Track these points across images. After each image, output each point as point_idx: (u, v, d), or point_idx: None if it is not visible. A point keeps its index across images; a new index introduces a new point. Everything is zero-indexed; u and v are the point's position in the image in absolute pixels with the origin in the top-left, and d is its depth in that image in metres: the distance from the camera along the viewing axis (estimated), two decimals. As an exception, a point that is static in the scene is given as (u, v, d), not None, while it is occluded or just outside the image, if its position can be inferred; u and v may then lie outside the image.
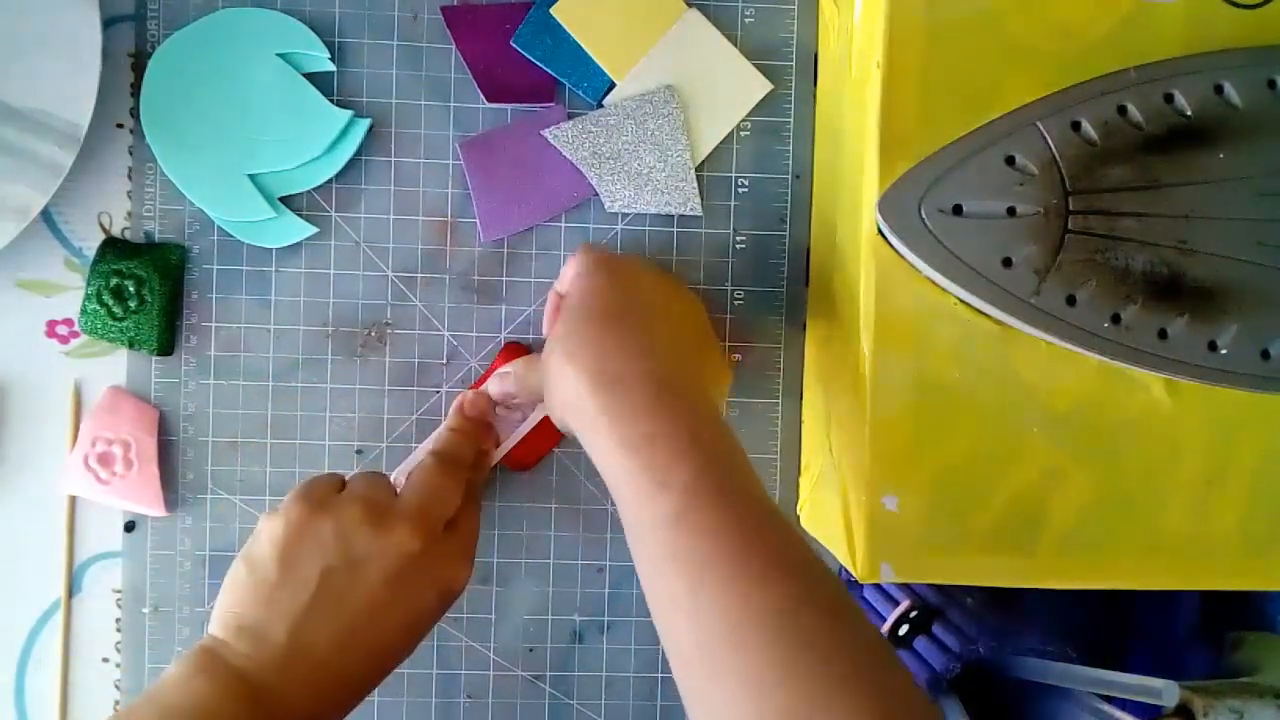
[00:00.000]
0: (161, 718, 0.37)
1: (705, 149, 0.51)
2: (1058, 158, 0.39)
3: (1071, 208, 0.39)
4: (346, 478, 0.44)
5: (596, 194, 0.51)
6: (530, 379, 0.45)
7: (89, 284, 0.49)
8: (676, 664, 0.35)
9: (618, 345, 0.39)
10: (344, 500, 0.41)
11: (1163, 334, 0.39)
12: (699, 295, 0.47)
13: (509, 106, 0.50)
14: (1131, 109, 0.39)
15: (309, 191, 0.50)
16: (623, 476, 0.37)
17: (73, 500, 0.50)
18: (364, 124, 0.49)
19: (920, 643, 0.47)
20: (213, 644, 0.39)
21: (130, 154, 0.50)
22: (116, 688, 0.50)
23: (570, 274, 0.44)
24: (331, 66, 0.49)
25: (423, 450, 0.49)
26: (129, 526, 0.50)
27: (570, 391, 0.39)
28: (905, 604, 0.48)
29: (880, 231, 0.40)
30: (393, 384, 0.51)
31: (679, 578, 0.34)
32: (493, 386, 0.47)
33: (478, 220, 0.50)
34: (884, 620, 0.49)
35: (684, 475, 0.36)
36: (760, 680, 0.32)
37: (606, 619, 0.52)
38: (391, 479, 0.45)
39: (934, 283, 0.40)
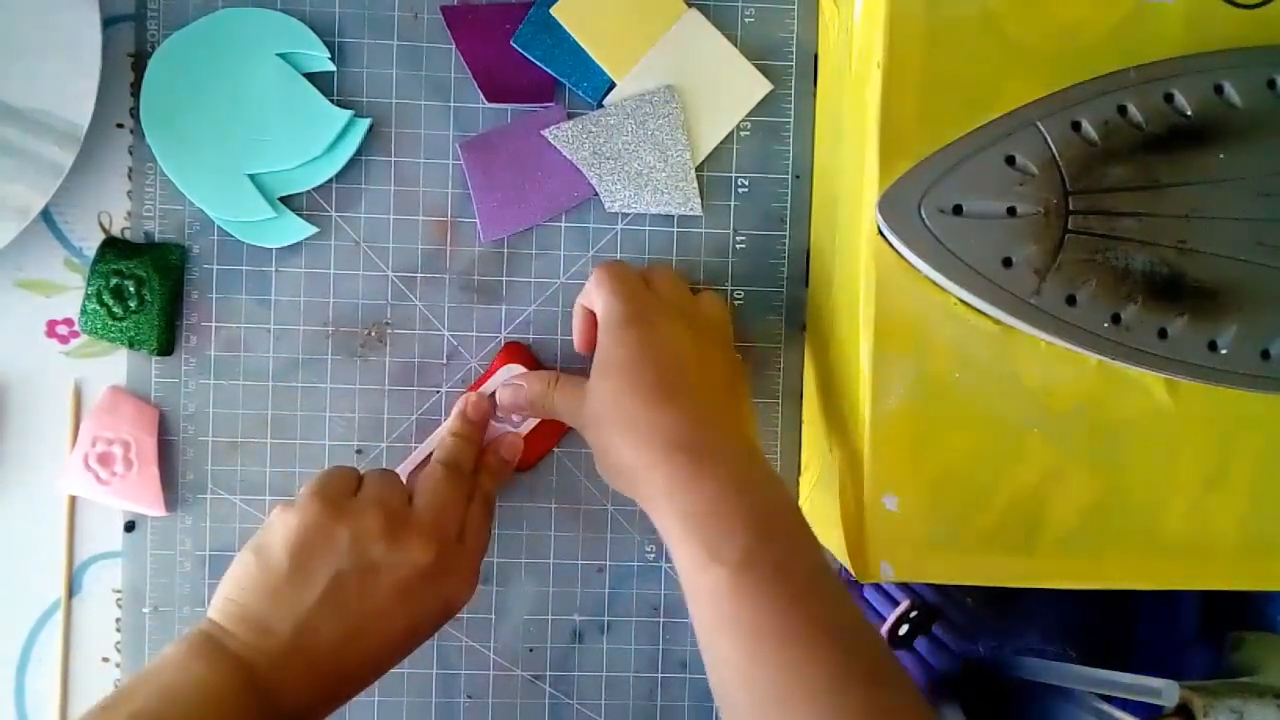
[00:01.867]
0: (159, 698, 0.37)
1: (705, 149, 0.51)
2: (1058, 158, 0.39)
3: (1071, 208, 0.39)
4: (361, 472, 0.44)
5: (596, 194, 0.51)
6: (550, 404, 0.46)
7: (89, 284, 0.49)
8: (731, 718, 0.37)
9: (673, 420, 0.40)
10: (362, 506, 0.42)
11: (1163, 334, 0.39)
12: (723, 318, 0.47)
13: (509, 106, 0.50)
14: (1131, 109, 0.39)
15: (309, 191, 0.50)
16: (681, 546, 0.38)
17: (73, 500, 0.50)
18: (364, 124, 0.49)
19: (920, 643, 0.47)
20: (212, 629, 0.40)
21: (130, 154, 0.50)
22: (116, 687, 0.50)
23: (599, 301, 0.44)
24: (331, 66, 0.49)
25: (424, 450, 0.49)
26: (129, 526, 0.50)
27: (625, 463, 0.41)
28: (905, 604, 0.48)
29: (880, 231, 0.40)
30: (393, 384, 0.51)
31: (733, 644, 0.37)
32: (504, 397, 0.47)
33: (478, 220, 0.50)
34: (884, 620, 0.49)
35: (738, 547, 0.37)
36: None
37: (606, 619, 0.52)
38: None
39: (934, 283, 0.40)
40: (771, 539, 0.38)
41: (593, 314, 0.46)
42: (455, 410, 0.48)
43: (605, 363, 0.42)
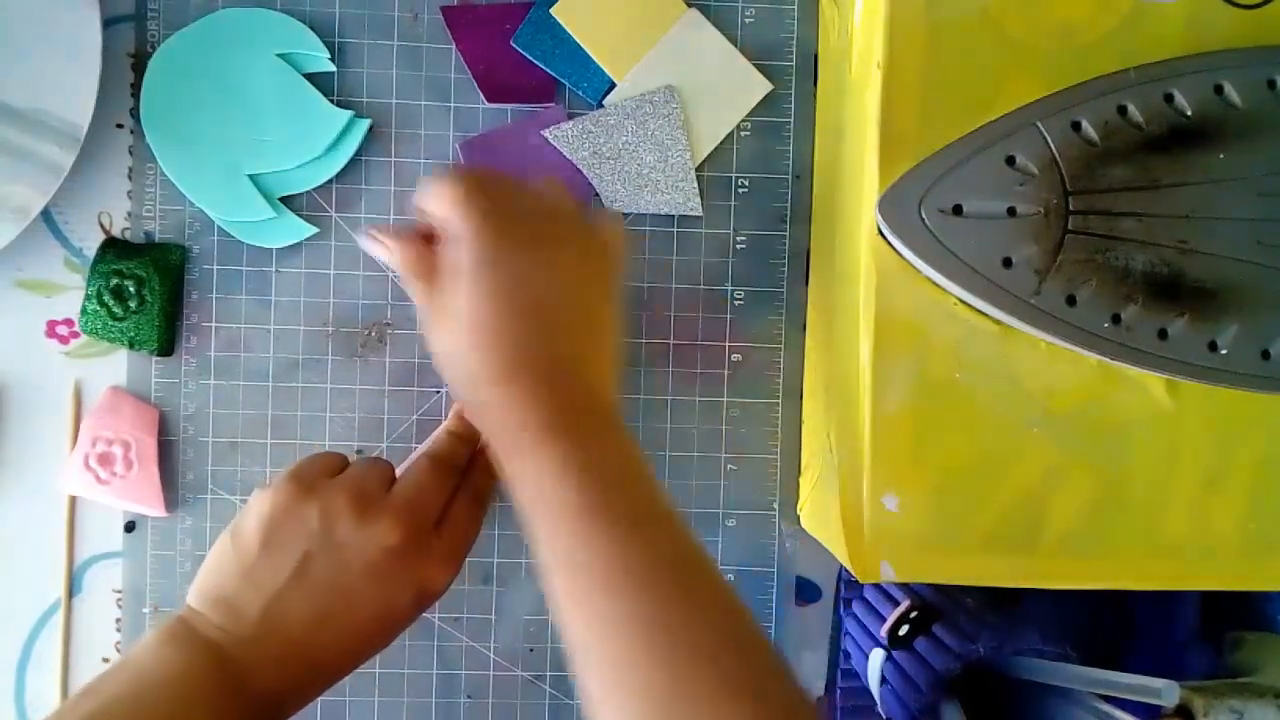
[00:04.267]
0: (131, 683, 0.37)
1: (705, 149, 0.51)
2: (1058, 158, 0.39)
3: (1071, 208, 0.39)
4: (351, 460, 0.44)
5: (596, 194, 0.51)
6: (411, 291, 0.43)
7: (89, 284, 0.49)
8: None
9: (523, 341, 0.38)
10: (334, 486, 0.41)
11: (1163, 334, 0.39)
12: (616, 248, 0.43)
13: (509, 107, 0.50)
14: (1131, 109, 0.39)
15: (309, 191, 0.50)
16: (541, 501, 0.37)
17: (73, 500, 0.50)
18: (364, 124, 0.49)
19: (920, 643, 0.47)
20: (188, 614, 0.40)
21: (130, 154, 0.50)
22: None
23: (448, 207, 0.40)
24: (331, 66, 0.49)
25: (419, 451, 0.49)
26: (129, 526, 0.50)
27: (486, 427, 0.40)
28: (905, 604, 0.48)
29: (880, 231, 0.40)
30: (393, 384, 0.51)
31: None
32: (373, 250, 0.44)
33: (478, 220, 0.50)
34: (884, 620, 0.49)
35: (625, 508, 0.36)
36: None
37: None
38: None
39: (934, 283, 0.40)
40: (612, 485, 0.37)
41: (428, 236, 0.42)
42: (454, 409, 0.48)
43: (451, 306, 0.39)
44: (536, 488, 0.37)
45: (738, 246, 0.51)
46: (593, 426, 0.38)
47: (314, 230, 0.50)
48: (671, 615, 0.34)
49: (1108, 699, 0.44)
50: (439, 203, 0.40)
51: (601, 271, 0.42)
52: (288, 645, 0.39)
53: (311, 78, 0.49)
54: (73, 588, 0.50)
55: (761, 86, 0.51)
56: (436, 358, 0.41)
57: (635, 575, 0.35)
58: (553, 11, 0.50)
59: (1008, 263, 0.39)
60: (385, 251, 0.43)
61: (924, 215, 0.39)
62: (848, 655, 0.53)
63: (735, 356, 0.52)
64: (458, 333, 0.39)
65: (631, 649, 0.33)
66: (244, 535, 0.40)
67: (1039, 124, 0.39)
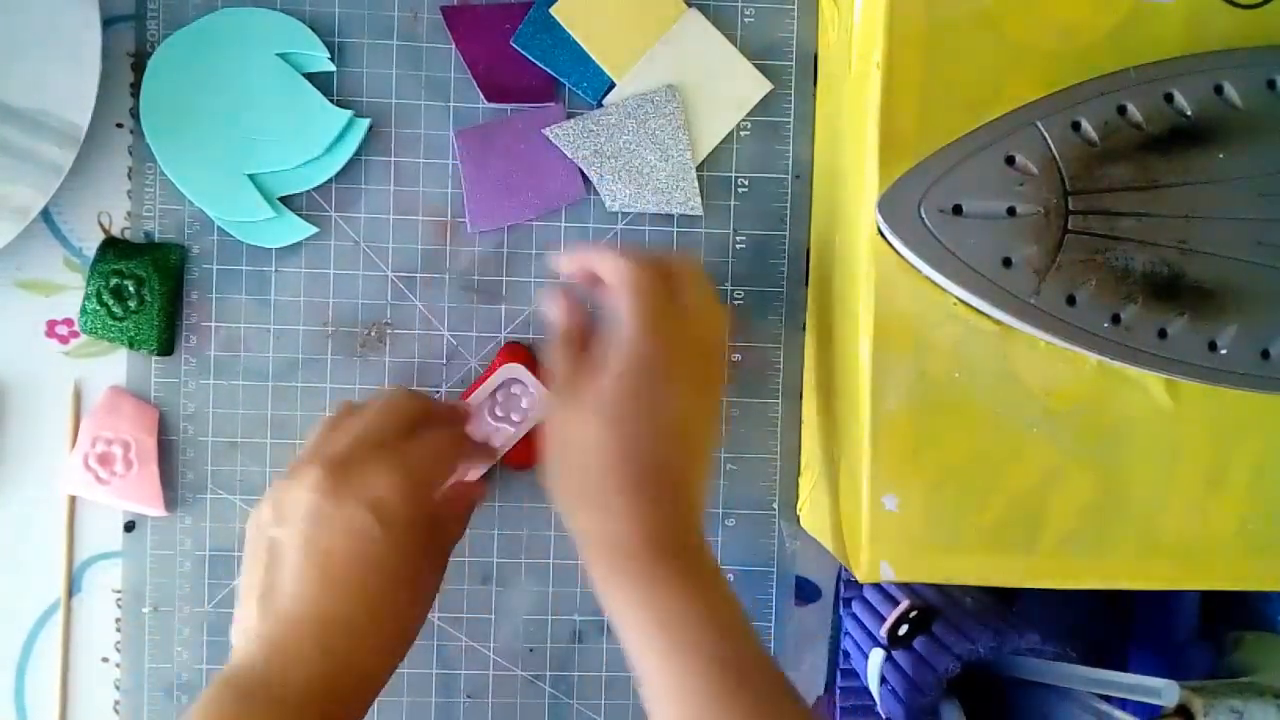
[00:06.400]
0: None
1: (705, 149, 0.51)
2: (1058, 158, 0.39)
3: (1071, 208, 0.39)
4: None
5: (588, 195, 0.51)
6: (552, 356, 0.45)
7: (89, 284, 0.49)
8: None
9: (652, 516, 0.40)
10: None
11: (1163, 334, 0.39)
12: (721, 336, 0.45)
13: (509, 106, 0.50)
14: (1131, 109, 0.39)
15: (309, 191, 0.50)
16: (644, 647, 0.38)
17: (73, 500, 0.50)
18: (364, 124, 0.49)
19: (920, 643, 0.47)
20: (230, 673, 0.39)
21: (130, 154, 0.50)
22: (116, 688, 0.50)
23: (624, 305, 0.42)
24: (331, 66, 0.49)
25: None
26: (129, 526, 0.50)
27: (582, 525, 0.41)
28: (905, 604, 0.48)
29: (880, 231, 0.40)
30: (392, 383, 0.51)
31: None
32: (546, 310, 0.46)
33: (467, 210, 0.50)
34: (884, 620, 0.49)
35: (705, 658, 0.37)
36: None
37: (606, 619, 0.52)
38: None
39: (934, 283, 0.40)
40: (737, 654, 0.38)
41: (578, 300, 0.45)
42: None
43: (607, 407, 0.40)
44: (645, 609, 0.38)
45: (738, 246, 0.51)
46: (703, 556, 0.40)
47: (314, 230, 0.50)
48: None
49: (1107, 699, 0.44)
50: (612, 280, 0.43)
51: (719, 402, 0.44)
52: (295, 625, 0.39)
53: (311, 77, 0.49)
54: (72, 587, 0.50)
55: (761, 86, 0.51)
56: (554, 439, 0.42)
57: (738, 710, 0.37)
58: (553, 11, 0.50)
59: (1007, 263, 0.39)
60: (555, 312, 0.45)
61: (924, 215, 0.39)
62: (847, 655, 0.53)
63: (735, 356, 0.52)
64: (594, 428, 0.40)
65: None
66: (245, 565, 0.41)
67: (1039, 124, 0.39)
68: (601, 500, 0.40)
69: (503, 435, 0.49)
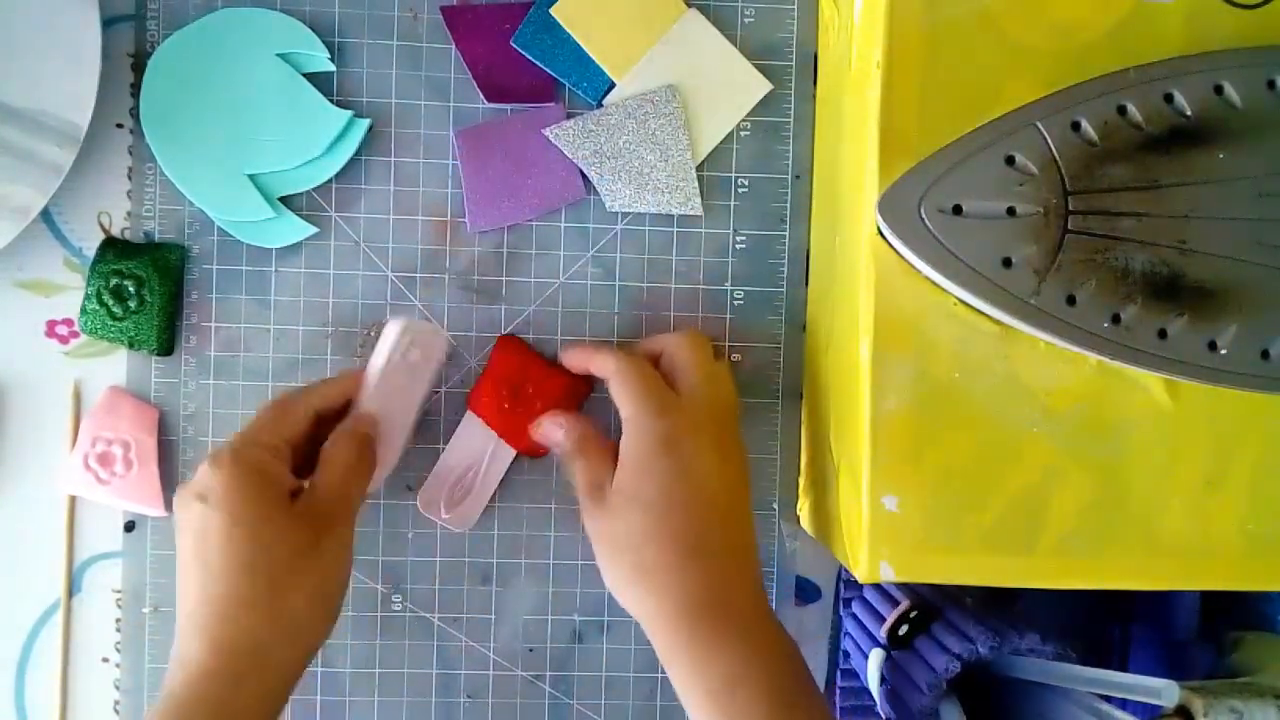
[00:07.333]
0: None
1: (705, 149, 0.51)
2: (1058, 158, 0.39)
3: (1071, 208, 0.39)
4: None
5: (588, 196, 0.51)
6: (569, 471, 0.46)
7: (89, 284, 0.49)
8: None
9: (698, 580, 0.42)
10: None
11: (1163, 334, 0.39)
12: (733, 397, 0.47)
13: (509, 106, 0.50)
14: (1131, 109, 0.39)
15: (309, 191, 0.50)
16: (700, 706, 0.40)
17: (73, 500, 0.50)
18: (364, 124, 0.49)
19: (920, 643, 0.47)
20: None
21: (130, 154, 0.50)
22: (116, 688, 0.50)
23: (626, 406, 0.44)
24: (331, 66, 0.49)
25: (444, 462, 0.49)
26: (129, 526, 0.50)
27: (637, 603, 0.42)
28: (905, 604, 0.48)
29: (880, 231, 0.40)
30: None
31: None
32: (543, 429, 0.48)
33: (466, 209, 0.50)
34: (884, 620, 0.49)
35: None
36: None
37: (606, 619, 0.52)
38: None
39: (934, 283, 0.40)
40: (793, 708, 0.40)
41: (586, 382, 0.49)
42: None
43: (633, 492, 0.43)
44: (703, 676, 0.40)
45: (738, 246, 0.51)
46: (759, 616, 0.42)
47: (314, 230, 0.50)
48: None
49: (1108, 699, 0.44)
50: (606, 376, 0.46)
51: (745, 461, 0.46)
52: (242, 603, 0.41)
53: (311, 77, 0.49)
54: (72, 587, 0.50)
55: (761, 86, 0.51)
56: (596, 542, 0.44)
57: None
58: (552, 11, 0.50)
59: (1007, 263, 0.39)
60: (557, 434, 0.47)
61: (924, 215, 0.39)
62: (847, 655, 0.53)
63: (735, 356, 0.52)
64: (623, 519, 0.42)
65: None
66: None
67: (1038, 124, 0.39)
68: (653, 580, 0.42)
69: (419, 390, 0.48)
